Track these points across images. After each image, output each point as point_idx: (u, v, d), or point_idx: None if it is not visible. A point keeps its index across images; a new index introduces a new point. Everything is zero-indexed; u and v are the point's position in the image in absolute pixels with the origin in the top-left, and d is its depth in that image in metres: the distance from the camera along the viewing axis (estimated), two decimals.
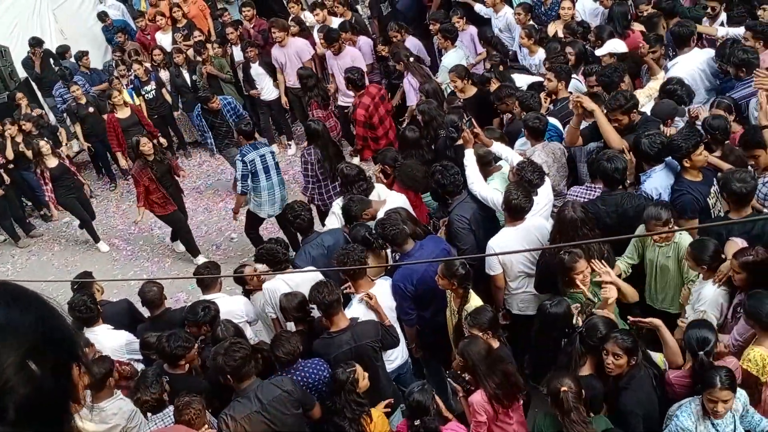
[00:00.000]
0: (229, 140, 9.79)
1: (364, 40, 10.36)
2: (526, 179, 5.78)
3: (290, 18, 11.10)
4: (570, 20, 8.62)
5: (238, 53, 11.24)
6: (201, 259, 8.87)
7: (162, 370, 5.30)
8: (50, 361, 1.12)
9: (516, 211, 5.51)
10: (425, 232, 6.11)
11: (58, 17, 13.92)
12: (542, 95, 7.31)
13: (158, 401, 5.01)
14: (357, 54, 9.87)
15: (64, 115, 11.70)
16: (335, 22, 10.62)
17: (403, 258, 5.72)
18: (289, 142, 11.48)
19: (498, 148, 6.42)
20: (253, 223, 8.63)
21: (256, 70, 10.88)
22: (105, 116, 11.09)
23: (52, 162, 9.54)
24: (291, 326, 5.82)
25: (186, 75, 11.42)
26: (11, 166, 10.37)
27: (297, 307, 5.55)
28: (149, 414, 5.03)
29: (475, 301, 5.27)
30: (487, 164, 6.41)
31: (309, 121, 8.36)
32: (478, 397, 4.55)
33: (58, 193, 9.62)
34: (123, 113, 10.45)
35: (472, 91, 8.04)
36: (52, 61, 12.64)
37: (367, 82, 9.09)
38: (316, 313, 5.59)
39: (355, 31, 10.35)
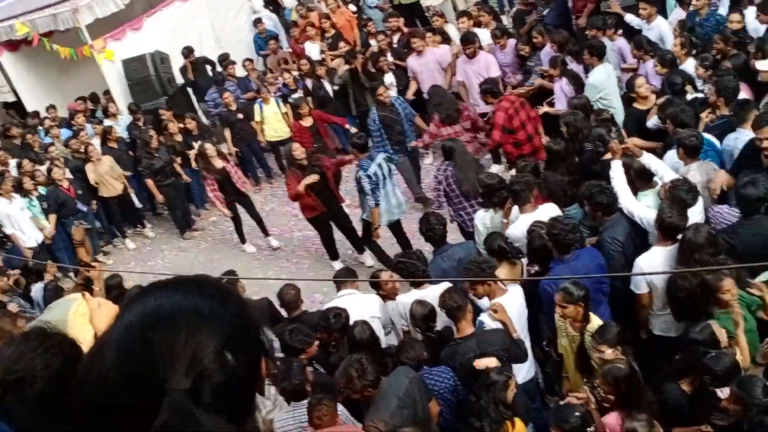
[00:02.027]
0: (400, 146, 9.70)
1: (511, 41, 10.43)
2: (679, 198, 5.49)
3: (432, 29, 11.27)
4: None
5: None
6: (338, 264, 9.01)
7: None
8: (243, 354, 1.19)
9: (669, 230, 5.25)
10: None
11: (215, 27, 14.70)
12: (704, 112, 6.95)
13: (300, 391, 5.12)
14: (491, 59, 9.89)
15: (215, 119, 12.27)
16: (480, 33, 10.61)
17: (557, 264, 5.60)
18: (427, 151, 11.33)
19: (649, 160, 6.10)
20: (370, 231, 8.71)
21: (389, 79, 11.02)
22: (252, 123, 11.62)
23: (217, 164, 9.86)
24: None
25: (327, 86, 11.68)
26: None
27: (425, 317, 5.58)
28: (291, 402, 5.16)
29: (596, 321, 5.13)
30: (647, 178, 6.12)
31: (447, 139, 8.32)
32: (613, 420, 4.38)
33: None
34: (307, 122, 10.48)
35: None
36: (208, 67, 13.30)
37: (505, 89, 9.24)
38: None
39: (505, 35, 10.44)
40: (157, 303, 1.21)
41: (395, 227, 8.78)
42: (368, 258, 9.31)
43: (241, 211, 10.21)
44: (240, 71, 13.17)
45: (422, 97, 10.86)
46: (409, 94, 10.81)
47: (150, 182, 11.12)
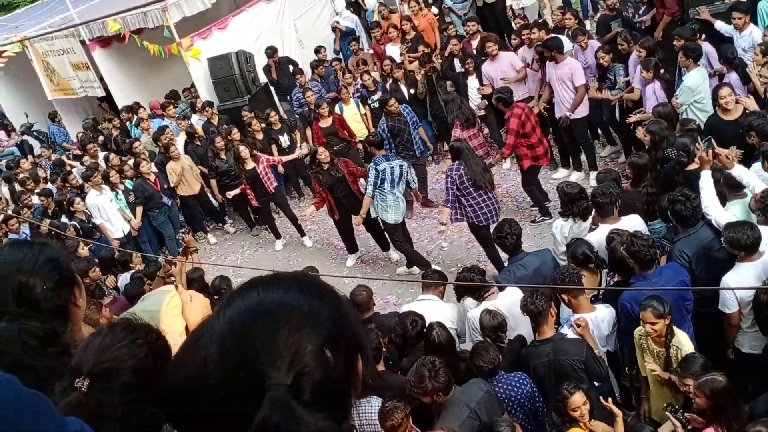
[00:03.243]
0: (406, 153, 10.17)
1: (592, 42, 10.30)
2: None
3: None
4: None
5: (459, 66, 11.35)
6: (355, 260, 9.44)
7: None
8: (342, 352, 1.19)
9: (750, 247, 5.10)
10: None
11: (298, 27, 14.93)
12: None
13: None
14: (577, 66, 9.69)
15: (297, 119, 12.46)
16: (564, 39, 10.44)
17: (638, 280, 5.47)
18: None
19: (740, 171, 5.92)
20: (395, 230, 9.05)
21: (472, 83, 10.99)
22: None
23: (248, 166, 10.39)
24: None
25: (404, 89, 11.66)
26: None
27: (494, 327, 5.51)
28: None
29: (679, 333, 5.00)
30: (734, 188, 5.95)
31: (453, 141, 8.80)
32: None
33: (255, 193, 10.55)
34: (325, 122, 11.05)
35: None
36: (290, 67, 13.50)
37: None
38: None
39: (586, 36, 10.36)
40: (259, 299, 1.21)
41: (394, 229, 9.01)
42: (394, 254, 9.68)
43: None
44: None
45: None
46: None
47: (213, 182, 11.42)
